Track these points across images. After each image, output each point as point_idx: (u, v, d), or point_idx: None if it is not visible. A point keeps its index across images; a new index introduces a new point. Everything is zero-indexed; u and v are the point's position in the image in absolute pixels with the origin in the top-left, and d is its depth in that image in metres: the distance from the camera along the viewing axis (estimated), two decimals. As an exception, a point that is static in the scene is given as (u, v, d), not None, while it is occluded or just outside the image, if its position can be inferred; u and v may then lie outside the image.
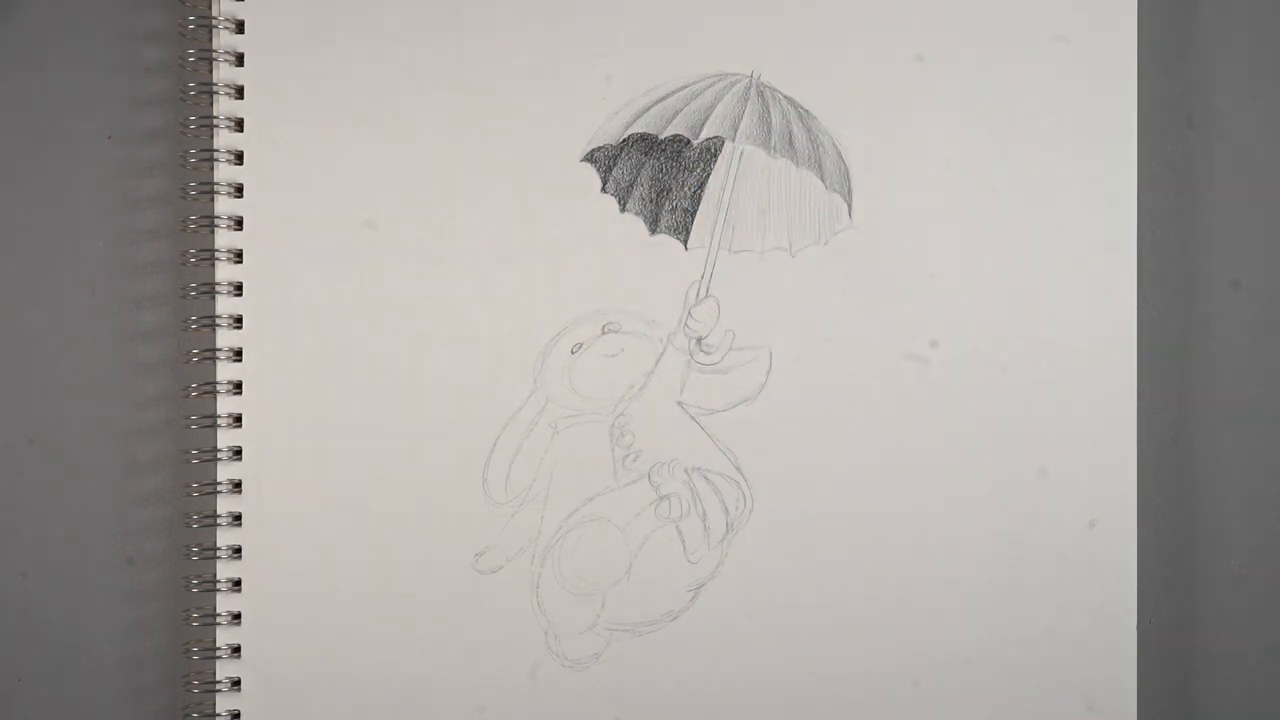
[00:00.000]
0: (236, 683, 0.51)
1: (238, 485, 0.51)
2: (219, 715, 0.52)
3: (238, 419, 0.51)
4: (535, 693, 0.53)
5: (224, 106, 0.51)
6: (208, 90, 0.51)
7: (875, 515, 0.53)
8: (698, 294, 0.53)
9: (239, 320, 0.51)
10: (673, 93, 0.53)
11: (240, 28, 0.51)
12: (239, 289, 0.51)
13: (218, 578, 0.51)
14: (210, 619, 0.51)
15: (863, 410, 0.52)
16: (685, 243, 0.53)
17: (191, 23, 0.51)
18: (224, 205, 0.51)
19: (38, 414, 0.52)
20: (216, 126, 0.51)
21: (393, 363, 0.52)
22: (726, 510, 0.53)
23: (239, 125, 0.51)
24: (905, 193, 0.54)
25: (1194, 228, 0.56)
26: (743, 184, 0.53)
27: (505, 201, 0.52)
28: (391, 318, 0.52)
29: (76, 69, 0.52)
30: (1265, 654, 0.56)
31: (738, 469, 0.53)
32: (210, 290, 0.51)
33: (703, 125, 0.53)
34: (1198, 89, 0.56)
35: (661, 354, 0.53)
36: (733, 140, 0.53)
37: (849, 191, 0.53)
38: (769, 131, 0.53)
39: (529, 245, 0.52)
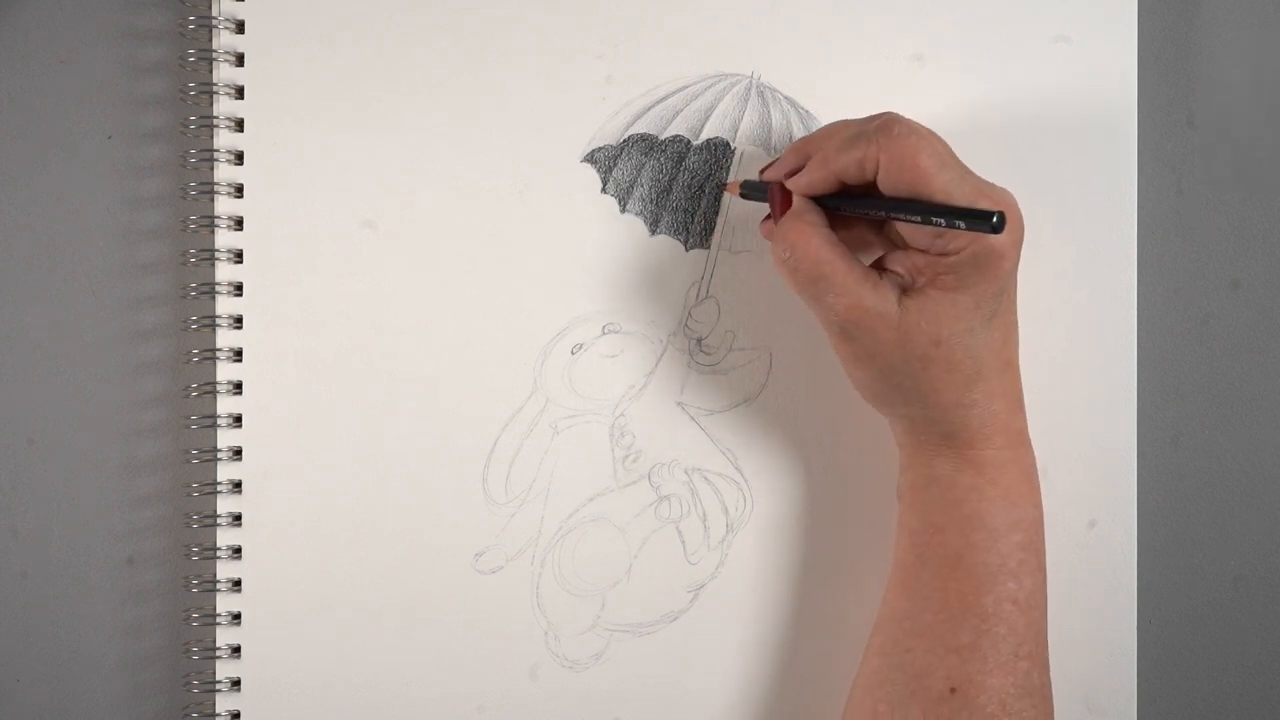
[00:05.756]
0: (236, 683, 0.52)
1: (238, 485, 0.51)
2: (219, 715, 0.52)
3: (238, 419, 0.51)
4: (535, 693, 0.53)
5: (224, 106, 0.51)
6: (208, 90, 0.51)
7: (876, 516, 0.53)
8: (698, 294, 0.53)
9: (239, 320, 0.51)
10: (673, 93, 0.53)
11: (240, 28, 0.51)
12: (239, 289, 0.51)
13: (218, 578, 0.51)
14: (210, 619, 0.52)
15: (863, 411, 0.52)
16: (685, 243, 0.53)
17: (191, 23, 0.51)
18: (224, 205, 0.51)
19: (38, 414, 0.52)
20: (216, 126, 0.51)
21: (392, 362, 0.52)
22: (726, 511, 0.53)
23: (239, 125, 0.51)
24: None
25: (1194, 228, 0.56)
26: (743, 184, 0.53)
27: (505, 202, 0.52)
28: (391, 318, 0.52)
29: (76, 69, 0.52)
30: (1265, 654, 0.56)
31: (738, 469, 0.53)
32: (210, 290, 0.51)
33: (703, 126, 0.53)
34: (1198, 89, 0.56)
35: (661, 354, 0.53)
36: (733, 141, 0.53)
37: (849, 191, 0.53)
38: (769, 132, 0.53)
39: (529, 246, 0.52)
